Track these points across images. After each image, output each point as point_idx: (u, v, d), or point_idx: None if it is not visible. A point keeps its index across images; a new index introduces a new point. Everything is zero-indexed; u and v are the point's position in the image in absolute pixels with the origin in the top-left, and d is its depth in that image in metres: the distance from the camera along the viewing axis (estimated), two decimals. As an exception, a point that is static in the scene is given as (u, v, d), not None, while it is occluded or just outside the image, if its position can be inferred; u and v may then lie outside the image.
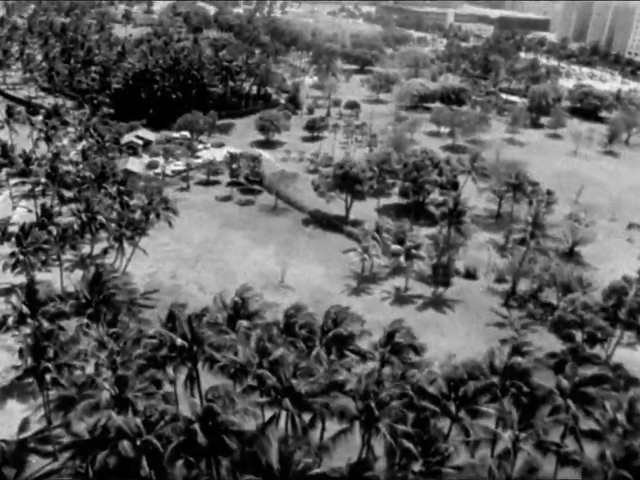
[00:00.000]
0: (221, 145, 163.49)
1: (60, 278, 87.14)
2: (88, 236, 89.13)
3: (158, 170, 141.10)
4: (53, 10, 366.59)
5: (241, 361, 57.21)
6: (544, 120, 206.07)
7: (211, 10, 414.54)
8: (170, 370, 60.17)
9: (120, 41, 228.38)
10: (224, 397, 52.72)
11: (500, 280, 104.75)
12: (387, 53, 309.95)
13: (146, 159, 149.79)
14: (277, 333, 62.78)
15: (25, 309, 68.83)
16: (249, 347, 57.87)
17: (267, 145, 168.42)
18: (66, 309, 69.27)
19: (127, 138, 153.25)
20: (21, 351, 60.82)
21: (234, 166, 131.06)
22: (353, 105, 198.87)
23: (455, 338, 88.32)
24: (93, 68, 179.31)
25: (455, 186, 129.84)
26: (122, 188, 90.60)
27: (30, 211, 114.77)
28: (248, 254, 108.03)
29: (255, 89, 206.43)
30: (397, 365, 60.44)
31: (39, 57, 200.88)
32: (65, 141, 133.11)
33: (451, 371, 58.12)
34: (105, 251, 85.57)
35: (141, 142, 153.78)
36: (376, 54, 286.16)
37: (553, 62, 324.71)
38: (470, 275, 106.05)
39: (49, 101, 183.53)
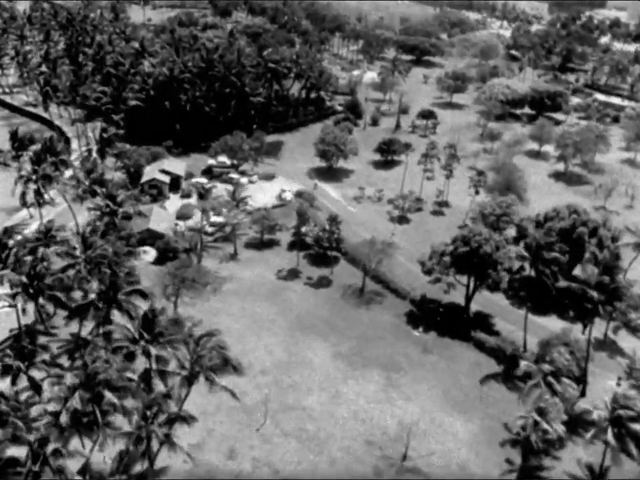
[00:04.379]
0: (270, 177, 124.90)
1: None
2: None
3: (191, 222, 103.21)
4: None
5: None
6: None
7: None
8: None
9: (138, 34, 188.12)
10: None
11: None
12: (445, 40, 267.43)
13: (175, 200, 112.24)
14: None
15: None
16: None
17: (330, 174, 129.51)
18: None
19: (149, 174, 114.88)
20: None
21: (303, 229, 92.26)
22: (427, 115, 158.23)
23: None
24: (105, 70, 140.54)
25: (615, 258, 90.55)
26: (145, 334, 52.22)
27: (12, 305, 77.51)
28: (340, 392, 69.84)
29: (303, 93, 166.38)
30: None
31: (39, 57, 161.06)
32: (60, 200, 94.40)
33: None
34: (121, 457, 47.54)
35: (167, 178, 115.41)
36: (435, 43, 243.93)
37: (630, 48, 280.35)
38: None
39: (54, 111, 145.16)
